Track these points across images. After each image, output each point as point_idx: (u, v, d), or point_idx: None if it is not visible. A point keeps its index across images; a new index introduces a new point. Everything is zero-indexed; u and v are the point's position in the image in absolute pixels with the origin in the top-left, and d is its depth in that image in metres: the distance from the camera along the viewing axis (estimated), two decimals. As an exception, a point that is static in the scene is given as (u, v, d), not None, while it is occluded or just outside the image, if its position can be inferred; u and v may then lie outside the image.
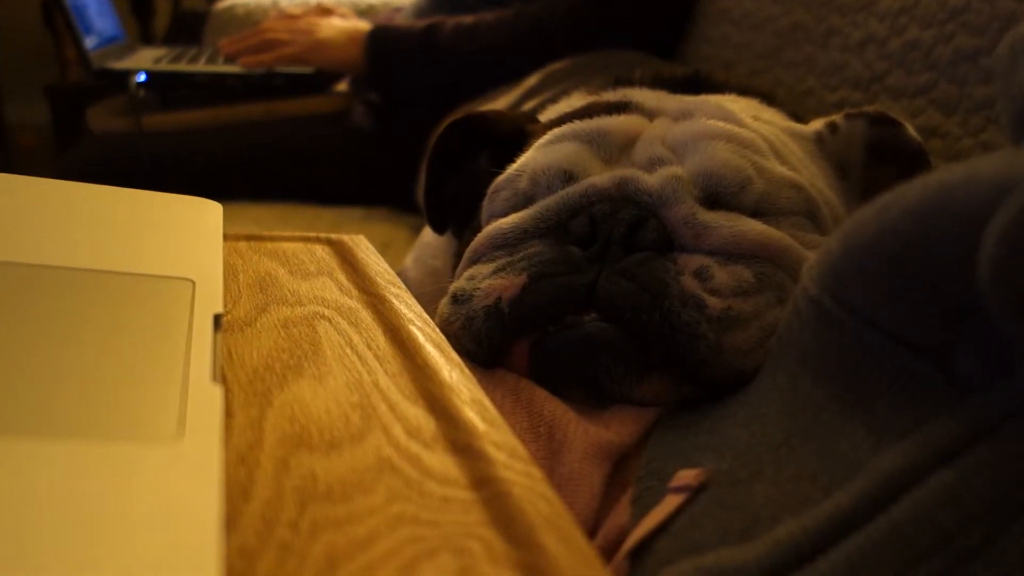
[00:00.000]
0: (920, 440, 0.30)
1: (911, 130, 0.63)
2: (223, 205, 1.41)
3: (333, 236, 0.68)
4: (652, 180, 0.54)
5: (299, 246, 0.66)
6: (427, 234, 0.80)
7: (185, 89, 1.48)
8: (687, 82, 0.73)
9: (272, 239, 0.67)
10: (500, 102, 1.24)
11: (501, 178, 0.60)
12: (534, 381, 0.51)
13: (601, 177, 0.55)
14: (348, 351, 0.46)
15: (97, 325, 0.36)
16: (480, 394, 0.41)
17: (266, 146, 1.45)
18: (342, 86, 1.60)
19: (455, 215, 0.70)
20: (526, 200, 0.57)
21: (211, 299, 0.42)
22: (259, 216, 1.29)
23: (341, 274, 0.59)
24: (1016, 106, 0.34)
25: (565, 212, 0.54)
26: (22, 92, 3.74)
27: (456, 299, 0.54)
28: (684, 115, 0.59)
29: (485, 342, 0.52)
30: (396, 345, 0.47)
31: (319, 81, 1.51)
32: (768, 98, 0.71)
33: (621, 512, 0.41)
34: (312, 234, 0.68)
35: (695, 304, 0.48)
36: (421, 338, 0.47)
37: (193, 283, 0.44)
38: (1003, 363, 0.30)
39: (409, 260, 0.83)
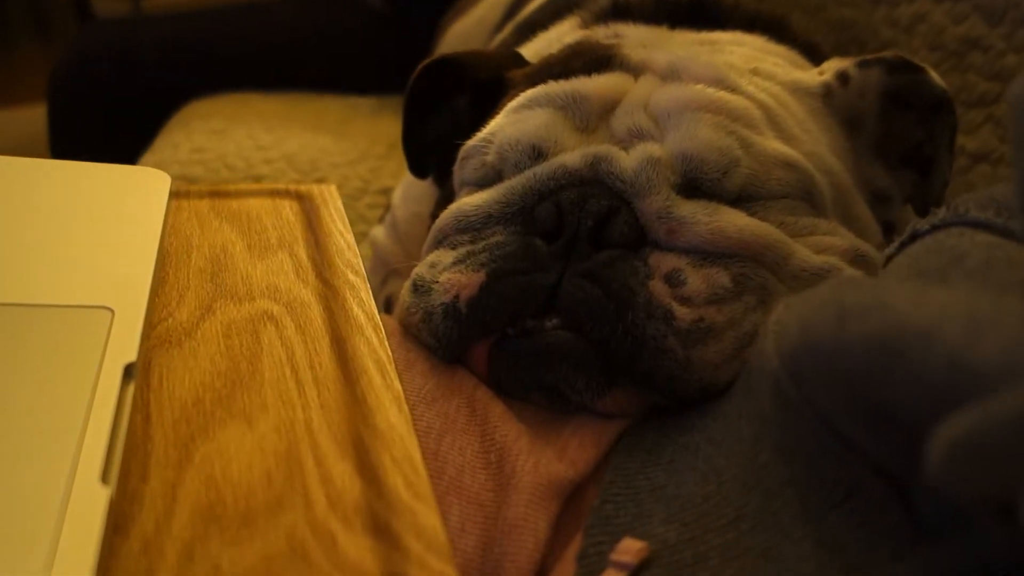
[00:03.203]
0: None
1: (935, 76, 0.56)
2: (228, 97, 1.36)
3: (303, 188, 0.63)
4: (627, 162, 0.48)
5: (265, 203, 0.62)
6: (413, 172, 0.75)
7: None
8: (692, 6, 0.65)
9: (237, 195, 0.62)
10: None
11: (470, 144, 0.55)
12: (493, 384, 0.48)
13: (572, 155, 0.50)
14: (287, 372, 0.44)
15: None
16: (413, 447, 0.38)
17: (274, 30, 1.38)
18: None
19: (437, 159, 0.66)
20: (494, 174, 0.53)
21: (127, 337, 0.39)
22: (263, 110, 1.23)
23: (302, 247, 0.56)
24: None
25: (531, 196, 0.49)
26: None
27: (416, 288, 0.51)
28: (672, 73, 0.53)
29: (443, 340, 0.49)
30: (339, 363, 0.44)
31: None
32: (780, 29, 0.64)
33: (567, 566, 0.39)
34: (281, 186, 0.64)
35: (662, 315, 0.44)
36: (366, 354, 0.44)
37: (112, 313, 0.41)
38: (960, 513, 0.26)
39: (398, 197, 0.79)
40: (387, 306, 0.76)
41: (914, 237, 0.40)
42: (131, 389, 0.37)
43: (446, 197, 0.60)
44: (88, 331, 0.39)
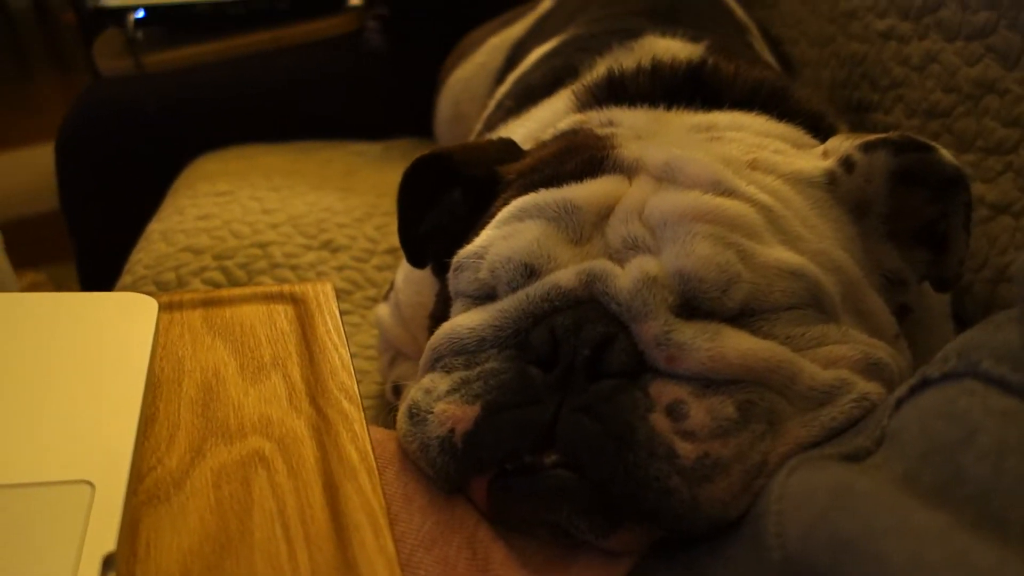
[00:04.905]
0: None
1: (945, 153, 0.54)
2: (232, 151, 1.34)
3: (298, 290, 0.62)
4: (623, 281, 0.46)
5: (259, 311, 0.60)
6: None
7: (187, 22, 1.40)
8: (689, 79, 0.63)
9: (231, 302, 0.61)
10: (515, 29, 1.14)
11: (462, 256, 0.53)
12: (494, 517, 0.47)
13: (566, 273, 0.48)
14: (278, 530, 0.42)
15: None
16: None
17: (275, 79, 1.37)
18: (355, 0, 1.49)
19: (434, 250, 0.64)
20: (487, 290, 0.51)
21: (108, 518, 0.38)
22: (268, 166, 1.22)
23: (296, 366, 0.54)
24: None
25: (525, 319, 0.48)
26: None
27: (412, 416, 0.49)
28: (667, 174, 0.51)
29: (441, 474, 0.47)
30: (331, 516, 0.43)
31: (327, 1, 1.41)
32: (781, 102, 0.61)
33: None
34: (276, 288, 0.63)
35: (665, 453, 0.43)
36: (358, 507, 0.43)
37: (92, 488, 0.39)
38: None
39: (400, 278, 0.77)
40: (396, 392, 0.75)
41: (924, 384, 0.37)
42: (111, 583, 0.36)
43: (445, 298, 0.58)
44: (66, 512, 0.38)
